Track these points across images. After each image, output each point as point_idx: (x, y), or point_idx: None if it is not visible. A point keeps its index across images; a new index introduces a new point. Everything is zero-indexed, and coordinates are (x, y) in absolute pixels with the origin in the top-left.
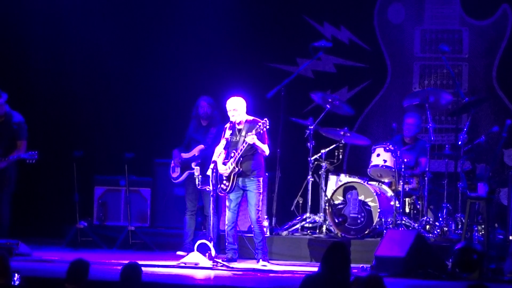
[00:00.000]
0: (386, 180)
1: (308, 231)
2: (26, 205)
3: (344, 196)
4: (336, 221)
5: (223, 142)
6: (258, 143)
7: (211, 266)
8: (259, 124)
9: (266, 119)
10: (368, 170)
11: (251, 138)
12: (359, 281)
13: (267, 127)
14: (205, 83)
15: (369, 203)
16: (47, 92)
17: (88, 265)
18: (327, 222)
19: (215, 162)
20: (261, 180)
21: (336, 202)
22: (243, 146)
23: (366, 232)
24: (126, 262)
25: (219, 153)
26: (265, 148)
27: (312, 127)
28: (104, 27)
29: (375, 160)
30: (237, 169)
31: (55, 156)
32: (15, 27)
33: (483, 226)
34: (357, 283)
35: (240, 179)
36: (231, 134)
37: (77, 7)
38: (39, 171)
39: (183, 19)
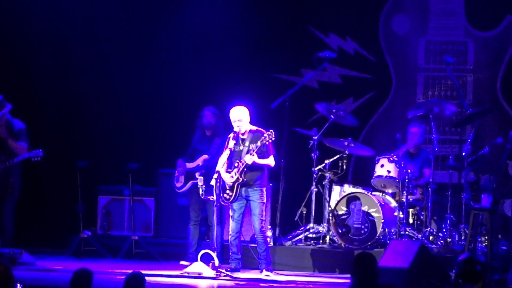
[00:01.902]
0: (390, 191)
1: (312, 242)
2: (30, 214)
3: (347, 206)
4: (340, 231)
5: (226, 152)
6: (259, 161)
7: (215, 276)
8: (265, 135)
9: (271, 130)
10: (372, 180)
11: (249, 159)
12: None
13: (273, 139)
14: (209, 93)
15: (373, 214)
16: (52, 102)
17: (91, 275)
18: (330, 233)
19: (218, 172)
20: (264, 190)
21: (340, 212)
22: (244, 162)
23: (370, 242)
24: (130, 271)
25: (223, 163)
26: (269, 161)
27: (316, 137)
28: (110, 38)
29: (379, 170)
30: (241, 179)
31: (60, 165)
32: (20, 38)
33: (486, 237)
34: None
35: (244, 189)
36: (235, 144)
37: (83, 19)
38: (43, 181)
39: (189, 29)
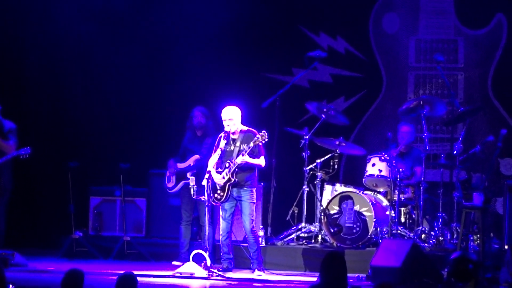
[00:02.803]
0: (381, 190)
1: (304, 241)
2: (21, 215)
3: (339, 205)
4: (332, 230)
5: (217, 152)
6: (250, 160)
7: (207, 276)
8: (257, 136)
9: (264, 131)
10: (363, 179)
11: (241, 160)
12: None
13: (266, 140)
14: (200, 93)
15: (365, 213)
16: (42, 103)
17: (82, 275)
18: (322, 232)
19: (210, 172)
20: (254, 191)
21: (332, 212)
22: (236, 163)
23: (362, 242)
24: (122, 272)
25: (214, 163)
26: (260, 161)
27: (307, 137)
28: (100, 38)
29: (371, 170)
30: (232, 179)
31: (51, 166)
32: (11, 37)
33: (478, 235)
34: None
35: (235, 189)
36: (226, 144)
37: (73, 17)
38: (34, 182)
39: (179, 29)
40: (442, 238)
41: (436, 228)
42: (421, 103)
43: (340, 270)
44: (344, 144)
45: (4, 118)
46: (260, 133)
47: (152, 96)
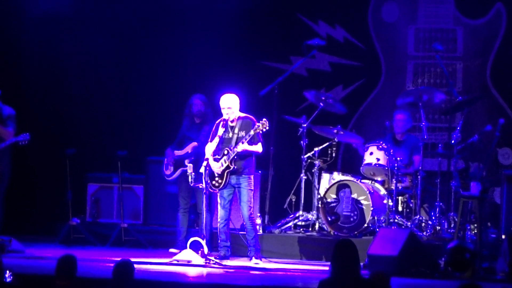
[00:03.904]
0: (379, 179)
1: (301, 229)
2: (19, 202)
3: (337, 194)
4: (329, 219)
5: (215, 140)
6: (249, 148)
7: (204, 263)
8: (258, 124)
9: (265, 119)
10: (361, 168)
11: (241, 148)
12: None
13: (267, 128)
14: (198, 81)
15: (362, 202)
16: (40, 90)
17: (75, 260)
18: (320, 220)
19: (207, 159)
20: (252, 178)
21: (329, 200)
22: (235, 151)
23: (359, 230)
24: (119, 259)
25: (211, 150)
26: (258, 148)
27: (305, 125)
28: (97, 26)
29: (368, 158)
30: (231, 167)
31: (48, 153)
32: (9, 23)
33: (475, 225)
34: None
35: (233, 176)
36: (224, 131)
37: (70, 5)
38: (32, 168)
39: (177, 18)
40: (439, 228)
41: (433, 217)
42: (419, 93)
43: (353, 259)
44: (342, 133)
45: (3, 104)
46: (261, 121)
47: (150, 83)
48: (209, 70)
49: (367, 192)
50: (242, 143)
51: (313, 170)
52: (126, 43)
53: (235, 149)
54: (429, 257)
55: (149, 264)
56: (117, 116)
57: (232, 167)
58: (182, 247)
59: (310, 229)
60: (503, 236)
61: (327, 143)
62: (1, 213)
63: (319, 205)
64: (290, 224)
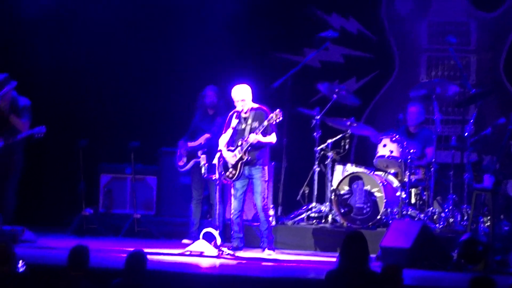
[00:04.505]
0: (392, 171)
1: (314, 221)
2: (32, 192)
3: (350, 186)
4: (342, 211)
5: (229, 131)
6: (263, 139)
7: (217, 254)
8: (272, 115)
9: (279, 110)
10: (374, 160)
11: (254, 138)
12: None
13: (280, 118)
14: (211, 73)
15: (375, 194)
16: (53, 80)
17: (87, 251)
18: (332, 212)
19: (221, 150)
20: (266, 169)
21: (342, 192)
22: (248, 142)
23: (372, 222)
24: (131, 250)
25: (225, 142)
26: (272, 138)
27: (318, 117)
28: (110, 16)
29: (382, 150)
30: (245, 158)
31: (61, 144)
32: (23, 15)
33: (488, 217)
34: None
35: (247, 167)
36: (238, 123)
37: None
38: (45, 159)
39: (190, 8)
40: (452, 220)
41: (446, 210)
42: (433, 85)
43: (361, 252)
44: (355, 125)
45: (19, 95)
46: (274, 112)
47: (163, 74)
48: (222, 61)
49: (380, 184)
50: (256, 134)
51: (326, 162)
52: (140, 34)
53: (248, 139)
54: (442, 250)
55: (162, 255)
56: (130, 107)
57: (246, 158)
58: (195, 238)
59: (323, 220)
60: None
61: (340, 135)
62: (14, 203)
63: (332, 197)
64: (303, 215)
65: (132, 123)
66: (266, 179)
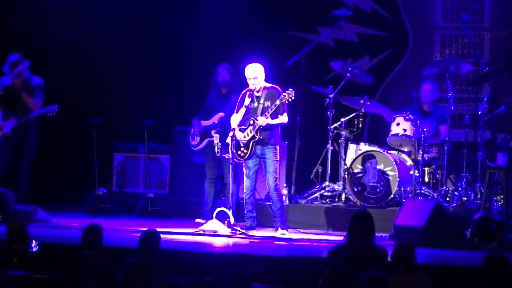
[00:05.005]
0: (405, 149)
1: (327, 200)
2: (45, 171)
3: (363, 165)
4: (355, 190)
5: (242, 110)
6: (272, 121)
7: (230, 234)
8: (284, 94)
9: (291, 89)
10: (387, 139)
11: (263, 121)
12: None
13: (293, 97)
14: (224, 51)
15: (388, 172)
16: (66, 59)
17: (101, 230)
18: (346, 191)
19: (234, 129)
20: (277, 148)
21: (355, 170)
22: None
23: (385, 201)
24: (145, 229)
25: (237, 121)
26: (283, 119)
27: (332, 95)
28: None
29: (395, 129)
30: (257, 137)
31: (75, 122)
32: None
33: (502, 196)
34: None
35: (258, 147)
36: (250, 102)
37: None
38: (58, 138)
39: None
40: (465, 199)
41: (459, 188)
42: (446, 63)
43: (368, 230)
44: (368, 103)
45: (33, 74)
46: (287, 91)
47: (176, 53)
48: (236, 39)
49: (394, 162)
50: (268, 112)
51: (339, 141)
52: (154, 12)
53: (257, 122)
54: (455, 228)
55: (175, 234)
56: (144, 86)
57: (257, 137)
58: (208, 217)
59: (336, 199)
60: None
61: (354, 114)
62: (28, 183)
63: (346, 176)
64: (316, 194)
65: (146, 102)
66: (278, 158)
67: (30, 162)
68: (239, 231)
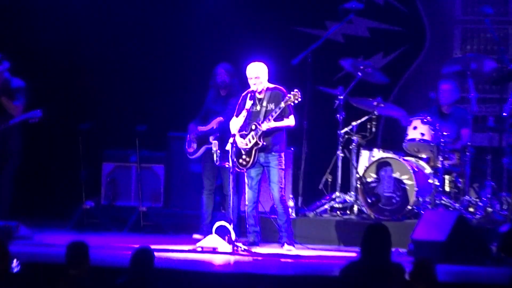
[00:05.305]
0: (424, 156)
1: (338, 212)
2: (28, 183)
3: (377, 173)
4: (369, 201)
5: (243, 114)
6: (277, 124)
7: (231, 250)
8: (289, 96)
9: (297, 90)
10: (404, 144)
11: (266, 126)
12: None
13: (299, 99)
14: (224, 49)
15: (405, 181)
16: (51, 59)
17: (86, 247)
18: (358, 202)
19: (234, 135)
20: (283, 155)
21: (369, 180)
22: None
23: (402, 213)
24: (137, 246)
25: (238, 125)
26: (290, 121)
27: (342, 97)
28: None
29: (412, 133)
30: (260, 143)
31: (60, 128)
32: None
33: None
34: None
35: (262, 154)
36: (252, 104)
37: None
38: (42, 146)
39: None
40: (490, 209)
41: (484, 198)
42: (467, 60)
43: (384, 245)
44: (382, 105)
45: (14, 76)
46: (292, 92)
47: (172, 51)
48: (237, 36)
49: (411, 170)
50: (272, 116)
51: (350, 147)
52: (147, 9)
53: (260, 127)
54: (480, 242)
55: (171, 251)
56: (135, 88)
57: (260, 143)
58: (207, 233)
59: (348, 211)
60: None
61: (366, 117)
62: (10, 196)
63: (358, 186)
64: (326, 206)
65: (138, 105)
66: (283, 167)
67: (13, 172)
68: (241, 247)
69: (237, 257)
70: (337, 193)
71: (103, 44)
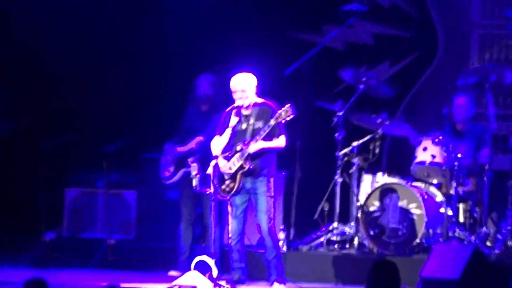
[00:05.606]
0: (435, 181)
1: (336, 246)
2: None
3: (381, 201)
4: (371, 233)
5: (227, 132)
6: (266, 145)
7: None
8: (280, 112)
9: (289, 105)
10: (412, 168)
11: (254, 149)
12: None
13: (291, 116)
14: (208, 58)
15: (413, 211)
16: (8, 70)
17: (45, 286)
18: (359, 235)
19: (217, 157)
20: (271, 181)
21: (371, 209)
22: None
23: (409, 247)
24: (105, 284)
25: (221, 146)
26: (280, 142)
27: (341, 113)
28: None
29: (421, 155)
30: (246, 167)
31: (17, 149)
32: None
33: None
34: None
35: (248, 179)
36: (238, 122)
37: None
38: None
39: None
40: (511, 243)
41: (503, 230)
42: (486, 71)
43: (391, 284)
44: (388, 123)
45: None
46: (283, 108)
47: (147, 60)
48: (223, 44)
49: (420, 198)
50: (260, 136)
51: (350, 171)
52: (116, 18)
53: (246, 149)
54: (499, 280)
55: None
56: (105, 102)
57: (246, 167)
58: (185, 269)
59: (347, 245)
60: None
61: (369, 136)
62: None
63: (359, 215)
64: (322, 239)
65: (107, 122)
66: (272, 194)
67: None
68: (224, 286)
69: None
70: (335, 224)
71: (69, 57)
